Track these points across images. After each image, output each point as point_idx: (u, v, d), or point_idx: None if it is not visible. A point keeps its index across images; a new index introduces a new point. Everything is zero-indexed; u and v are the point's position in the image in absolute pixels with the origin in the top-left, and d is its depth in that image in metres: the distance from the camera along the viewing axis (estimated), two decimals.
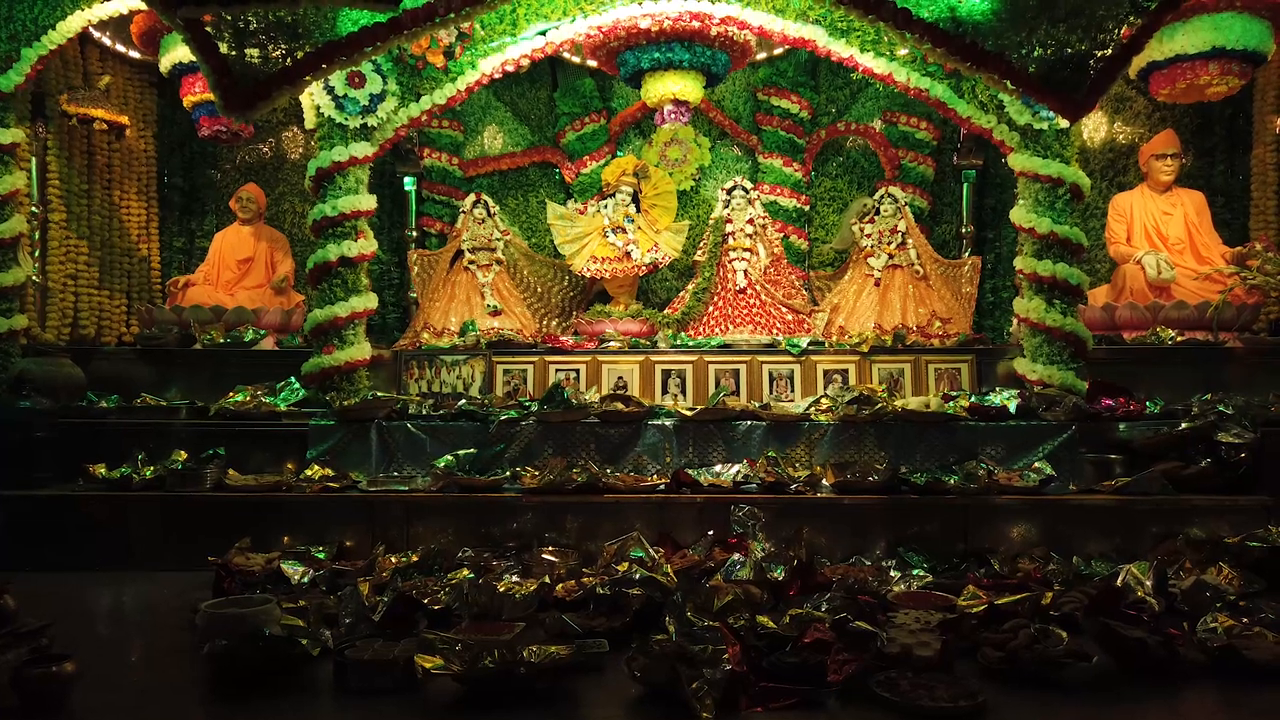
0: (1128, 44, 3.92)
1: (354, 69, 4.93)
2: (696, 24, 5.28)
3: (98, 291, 6.26)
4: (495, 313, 6.30)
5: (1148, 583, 3.36)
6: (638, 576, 3.34)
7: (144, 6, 5.22)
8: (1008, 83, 4.02)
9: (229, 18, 4.00)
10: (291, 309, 6.21)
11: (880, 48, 4.96)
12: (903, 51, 4.93)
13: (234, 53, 4.02)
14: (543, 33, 5.12)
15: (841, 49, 4.98)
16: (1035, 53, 4.01)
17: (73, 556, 4.13)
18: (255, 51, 4.11)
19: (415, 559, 3.76)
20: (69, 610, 3.44)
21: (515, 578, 3.53)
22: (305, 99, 5.16)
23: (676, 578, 3.42)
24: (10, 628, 2.63)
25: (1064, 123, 4.87)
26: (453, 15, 4.08)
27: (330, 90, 5.04)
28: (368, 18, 4.32)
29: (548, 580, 3.47)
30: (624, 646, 2.72)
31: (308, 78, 4.05)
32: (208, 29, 3.89)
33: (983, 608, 3.16)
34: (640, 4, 5.05)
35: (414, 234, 6.74)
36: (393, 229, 6.79)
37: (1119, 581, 3.36)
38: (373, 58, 4.67)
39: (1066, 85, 3.95)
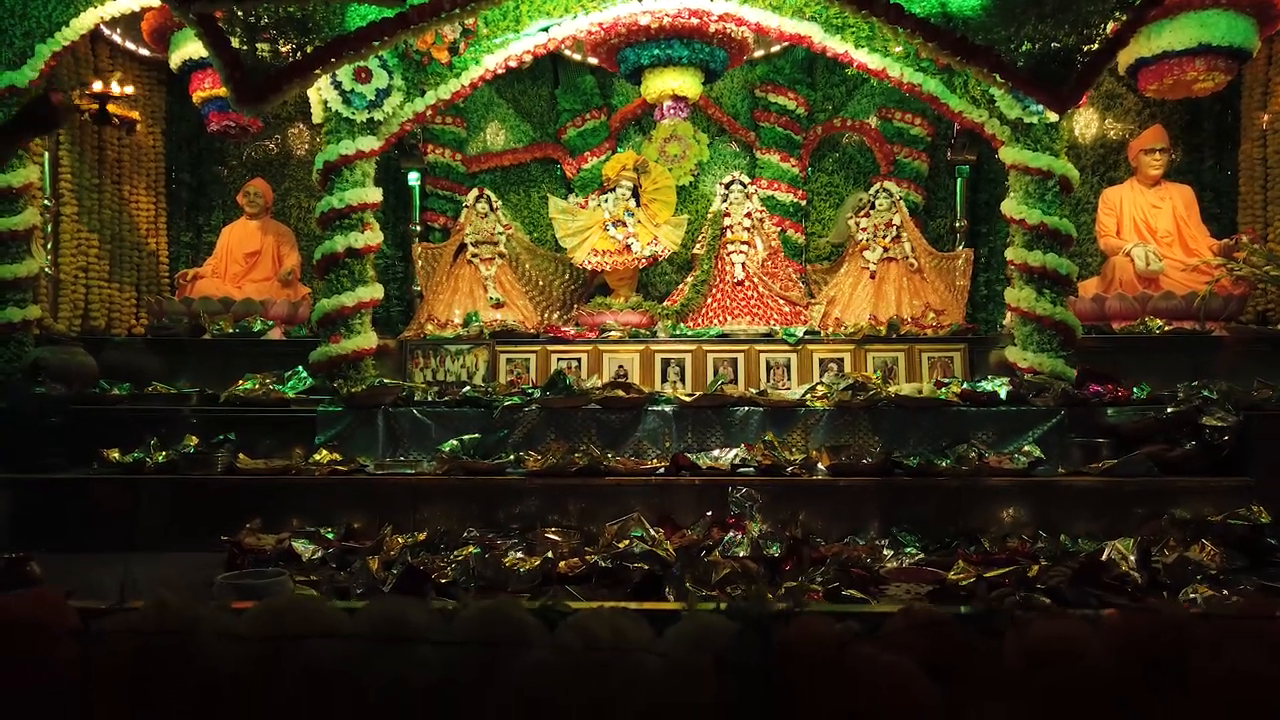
0: (1113, 39, 4.04)
1: (360, 64, 5.05)
2: (695, 21, 5.40)
3: (108, 284, 6.38)
4: (498, 305, 6.42)
5: (1131, 558, 3.46)
6: (638, 551, 3.46)
7: (155, 3, 5.35)
8: (997, 76, 4.14)
9: (240, 13, 4.13)
10: (298, 301, 6.33)
11: (874, 44, 5.07)
12: (897, 49, 5.05)
13: (245, 47, 4.14)
14: (545, 29, 5.23)
15: (836, 45, 5.10)
16: (1024, 47, 4.14)
17: (87, 538, 4.21)
18: (266, 46, 4.23)
19: (422, 538, 3.87)
20: (86, 586, 3.53)
21: (520, 554, 3.65)
22: (313, 94, 5.28)
23: (676, 554, 3.54)
24: None
25: (1053, 116, 4.99)
26: (458, 11, 4.19)
27: (337, 85, 5.16)
28: (375, 13, 4.42)
29: (551, 556, 3.58)
30: None
31: (317, 71, 4.16)
32: (220, 24, 4.01)
33: (971, 580, 3.28)
34: (640, 1, 5.17)
35: (418, 228, 6.86)
36: (397, 223, 6.90)
37: (1103, 557, 3.47)
38: (379, 53, 4.78)
39: (1054, 79, 4.07)
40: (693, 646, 0.88)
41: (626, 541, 3.73)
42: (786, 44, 6.26)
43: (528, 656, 0.88)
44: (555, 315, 6.78)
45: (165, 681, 0.89)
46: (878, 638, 0.93)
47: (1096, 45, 4.06)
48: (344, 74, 5.12)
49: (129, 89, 5.28)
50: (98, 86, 5.37)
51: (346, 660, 0.88)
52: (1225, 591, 3.17)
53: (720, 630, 0.90)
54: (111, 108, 5.91)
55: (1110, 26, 4.17)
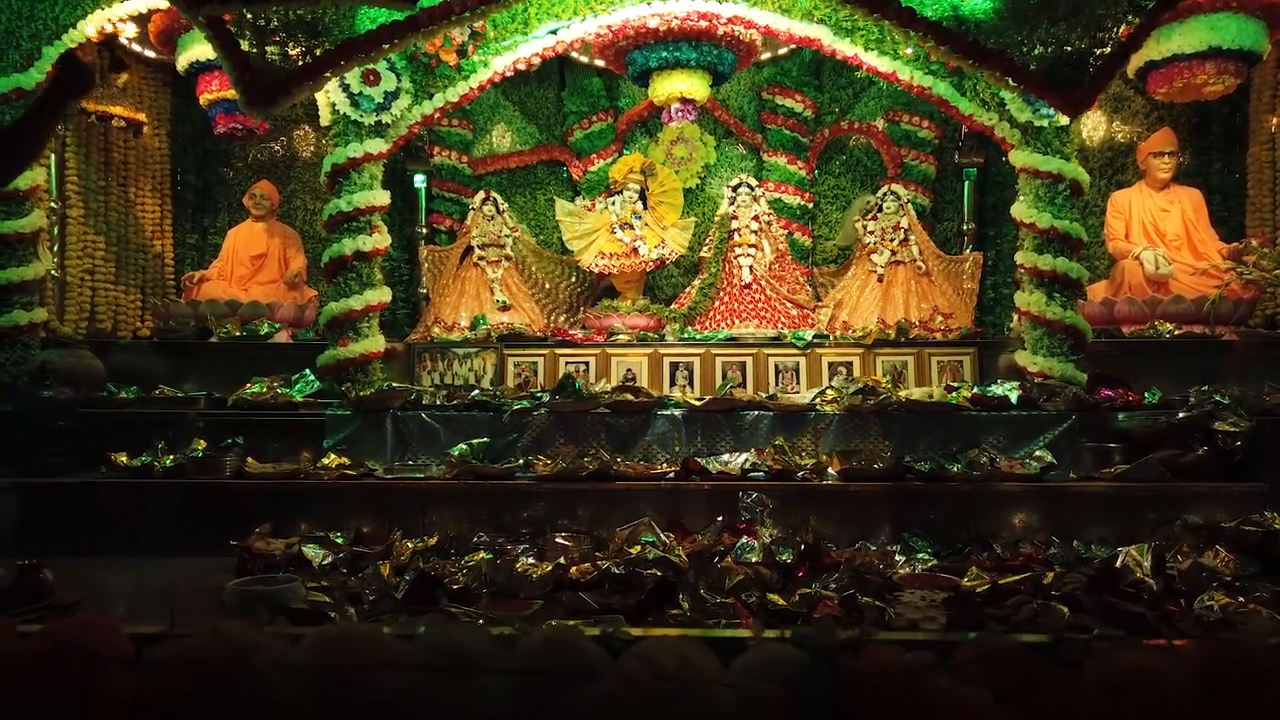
0: (1126, 42, 4.03)
1: (369, 67, 5.03)
2: (704, 23, 5.38)
3: (114, 286, 6.36)
4: (504, 308, 6.40)
5: (1146, 564, 3.45)
6: (651, 557, 3.44)
7: (163, 5, 5.33)
8: (1009, 80, 4.12)
9: (250, 16, 4.12)
10: (305, 304, 6.32)
11: (884, 47, 5.06)
12: (907, 51, 5.03)
13: (255, 50, 4.13)
14: (553, 32, 5.21)
15: (846, 48, 5.08)
16: (1036, 51, 4.14)
17: (95, 542, 4.19)
18: (275, 49, 4.22)
19: (432, 543, 3.86)
20: (97, 591, 3.52)
21: (531, 560, 3.63)
22: (321, 96, 5.26)
23: (688, 560, 3.52)
24: (48, 600, 2.73)
25: (1064, 120, 4.97)
26: (468, 14, 4.18)
27: (346, 88, 5.14)
28: (386, 16, 4.41)
29: (563, 562, 3.57)
30: (639, 622, 2.81)
31: (327, 74, 4.15)
32: (229, 27, 4.00)
33: (986, 587, 3.26)
34: (649, 3, 5.14)
35: (424, 230, 6.85)
36: (403, 226, 6.89)
37: (1118, 563, 3.46)
38: (387, 56, 4.77)
39: (1066, 82, 4.06)
40: (761, 676, 0.86)
41: (638, 547, 3.72)
42: (794, 46, 6.25)
43: (595, 687, 0.87)
44: (561, 318, 6.77)
45: (220, 712, 0.88)
46: (949, 668, 0.91)
47: (1109, 49, 4.05)
48: (352, 77, 5.10)
49: (130, 29, 5.09)
50: (92, 31, 5.19)
51: (407, 691, 0.86)
52: (1241, 599, 3.15)
53: (788, 660, 0.89)
54: (117, 109, 5.91)
55: (1122, 30, 4.16)
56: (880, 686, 0.85)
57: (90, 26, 5.28)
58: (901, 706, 0.85)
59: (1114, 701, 0.89)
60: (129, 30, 4.65)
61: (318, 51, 4.18)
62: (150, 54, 6.37)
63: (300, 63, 4.14)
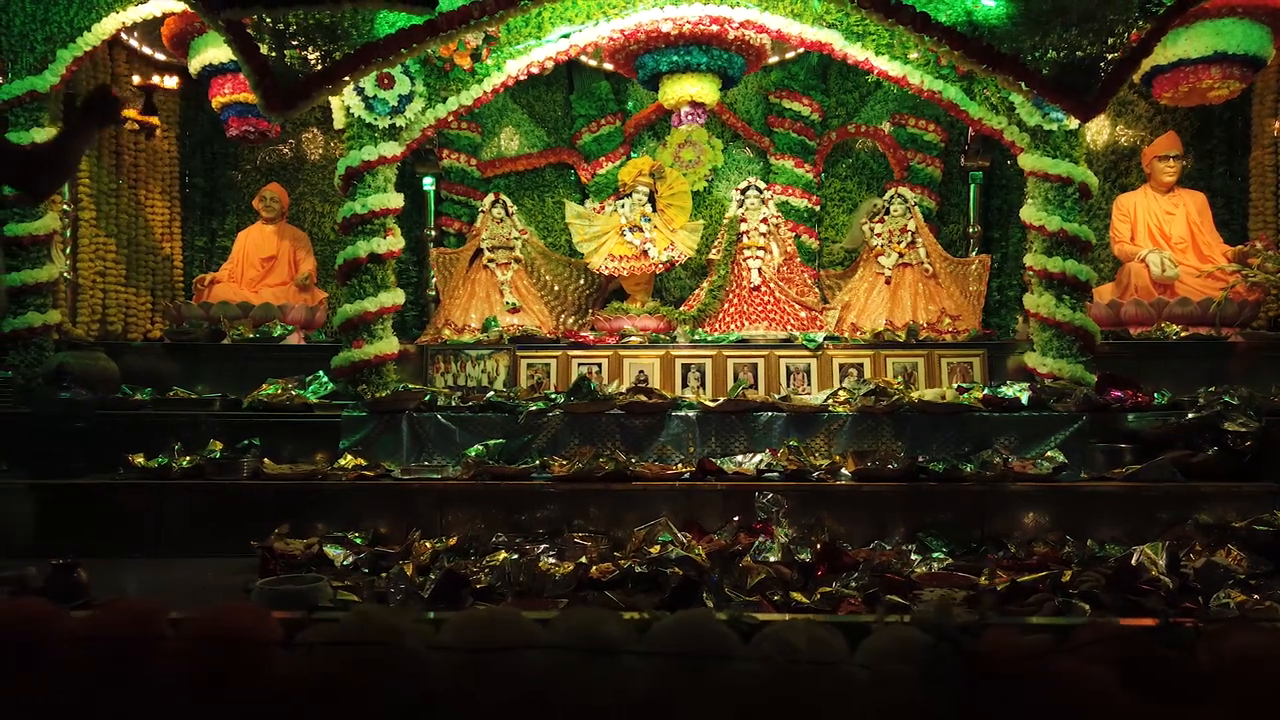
0: (1137, 47, 4.09)
1: (383, 70, 5.06)
2: (715, 28, 5.42)
3: (124, 288, 6.39)
4: (514, 310, 6.43)
5: (1161, 562, 3.49)
6: (673, 556, 3.47)
7: (177, 9, 5.36)
8: (1022, 84, 4.17)
9: (270, 20, 4.15)
10: (315, 305, 6.34)
11: (894, 51, 5.10)
12: (913, 55, 5.08)
13: (274, 54, 4.16)
14: (566, 35, 5.24)
15: (857, 52, 5.12)
16: (1049, 56, 4.18)
17: (114, 543, 4.22)
18: (294, 53, 4.25)
19: (452, 543, 3.88)
20: (122, 592, 3.54)
21: (552, 559, 3.66)
22: (334, 100, 5.27)
23: (708, 559, 3.55)
24: (84, 600, 2.75)
25: (1073, 124, 5.02)
26: (486, 18, 4.23)
27: (360, 91, 5.16)
28: (405, 20, 4.44)
29: (584, 561, 3.60)
30: None
31: (346, 78, 4.19)
32: (249, 31, 4.03)
33: (1006, 585, 3.30)
34: (661, 8, 5.18)
35: (433, 233, 6.88)
36: (412, 228, 6.90)
37: (1134, 561, 3.50)
38: (403, 60, 4.80)
39: (1078, 87, 4.11)
40: (890, 658, 0.90)
41: (656, 547, 3.75)
42: (801, 50, 6.30)
43: (735, 668, 0.90)
44: (570, 320, 6.80)
45: (373, 692, 0.91)
46: (1069, 649, 0.95)
47: (1120, 54, 4.10)
48: (366, 80, 5.12)
49: (172, 81, 5.14)
50: (136, 79, 5.23)
51: (552, 671, 0.90)
52: (1257, 596, 3.20)
53: (914, 642, 0.92)
54: (129, 112, 5.91)
55: (1133, 35, 4.22)
56: (1008, 667, 0.88)
57: (104, 29, 5.32)
58: (1029, 686, 0.88)
59: (1229, 683, 0.92)
60: (170, 82, 4.68)
61: (337, 55, 4.21)
62: (160, 56, 6.40)
63: (319, 66, 4.17)
